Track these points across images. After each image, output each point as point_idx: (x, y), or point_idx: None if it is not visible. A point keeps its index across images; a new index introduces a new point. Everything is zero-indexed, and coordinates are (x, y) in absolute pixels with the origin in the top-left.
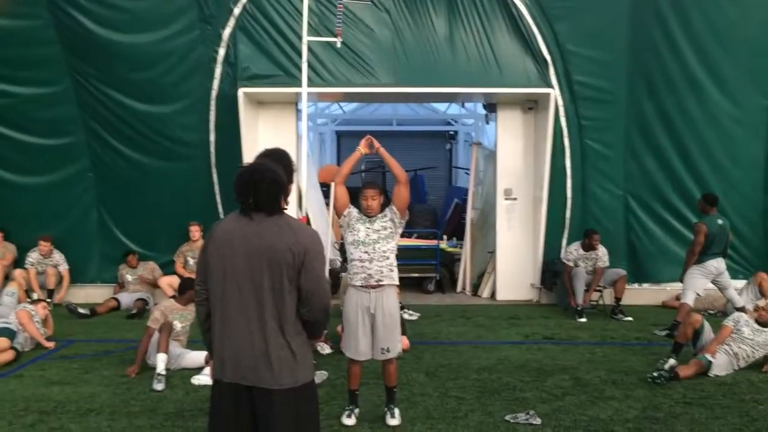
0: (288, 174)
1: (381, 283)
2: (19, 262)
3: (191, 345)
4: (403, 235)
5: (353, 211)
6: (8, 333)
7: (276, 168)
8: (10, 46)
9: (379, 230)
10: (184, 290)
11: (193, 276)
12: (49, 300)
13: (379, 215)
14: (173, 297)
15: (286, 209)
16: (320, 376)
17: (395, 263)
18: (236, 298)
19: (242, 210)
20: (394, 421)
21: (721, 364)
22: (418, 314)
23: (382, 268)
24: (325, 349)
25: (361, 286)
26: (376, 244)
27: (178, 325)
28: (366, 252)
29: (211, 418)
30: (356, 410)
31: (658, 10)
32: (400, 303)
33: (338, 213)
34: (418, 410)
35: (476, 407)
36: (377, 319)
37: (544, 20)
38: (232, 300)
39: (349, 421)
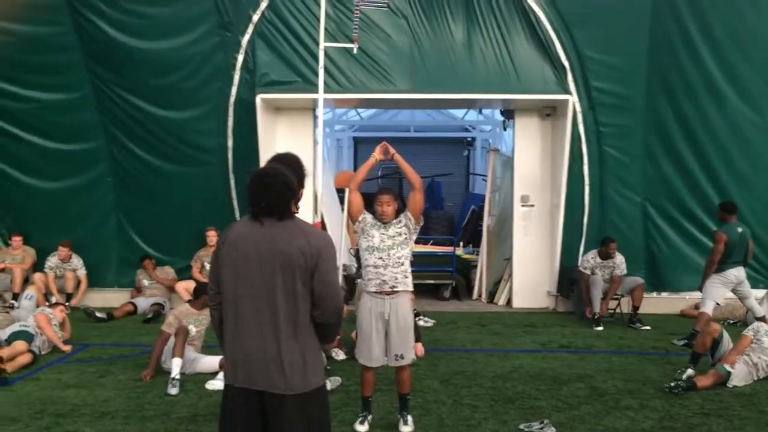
0: (299, 178)
1: (395, 289)
2: (38, 266)
3: (206, 350)
4: (419, 242)
5: (368, 217)
6: (26, 336)
7: (286, 172)
8: (32, 52)
9: (393, 236)
10: (199, 295)
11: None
12: (66, 303)
13: (394, 221)
14: (189, 301)
15: (296, 213)
16: (334, 382)
17: (410, 269)
18: (249, 302)
19: (253, 214)
20: (407, 428)
21: (740, 374)
22: (434, 321)
23: (397, 275)
24: (339, 354)
25: (376, 292)
26: (391, 250)
27: (193, 329)
28: (380, 258)
29: (221, 422)
30: (369, 417)
31: (676, 16)
32: (415, 310)
33: (352, 219)
34: (431, 417)
35: (490, 415)
36: (391, 325)
37: (562, 26)
38: (244, 304)
39: (362, 427)
